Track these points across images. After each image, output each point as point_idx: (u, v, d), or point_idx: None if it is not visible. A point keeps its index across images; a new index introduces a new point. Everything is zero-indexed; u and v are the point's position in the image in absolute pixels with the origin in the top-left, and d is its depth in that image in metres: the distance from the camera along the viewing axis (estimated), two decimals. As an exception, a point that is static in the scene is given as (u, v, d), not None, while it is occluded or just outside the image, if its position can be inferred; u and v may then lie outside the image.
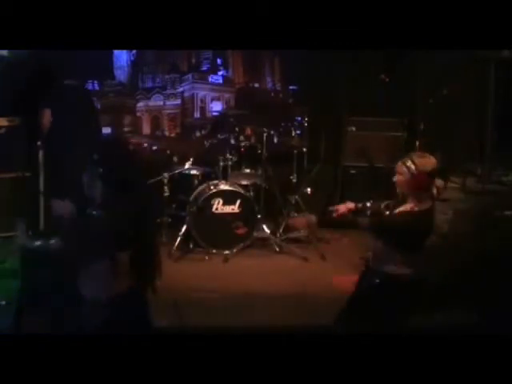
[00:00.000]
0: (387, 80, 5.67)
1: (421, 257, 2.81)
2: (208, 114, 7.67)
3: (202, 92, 7.68)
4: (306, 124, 5.92)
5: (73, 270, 2.34)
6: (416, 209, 2.76)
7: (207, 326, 3.55)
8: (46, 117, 4.65)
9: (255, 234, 5.23)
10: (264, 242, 5.30)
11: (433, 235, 3.93)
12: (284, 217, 5.51)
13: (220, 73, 7.70)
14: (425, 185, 2.75)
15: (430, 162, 2.76)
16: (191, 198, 5.30)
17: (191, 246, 5.14)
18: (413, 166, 2.72)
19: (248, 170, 5.64)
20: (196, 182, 5.52)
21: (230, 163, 5.52)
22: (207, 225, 5.13)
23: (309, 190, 5.69)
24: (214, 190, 5.20)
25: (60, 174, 4.24)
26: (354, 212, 2.96)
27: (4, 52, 4.85)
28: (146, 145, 6.50)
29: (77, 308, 2.33)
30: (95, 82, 7.04)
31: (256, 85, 7.78)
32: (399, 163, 2.78)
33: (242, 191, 5.29)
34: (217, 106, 7.72)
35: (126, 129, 7.30)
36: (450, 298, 3.71)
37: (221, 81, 7.73)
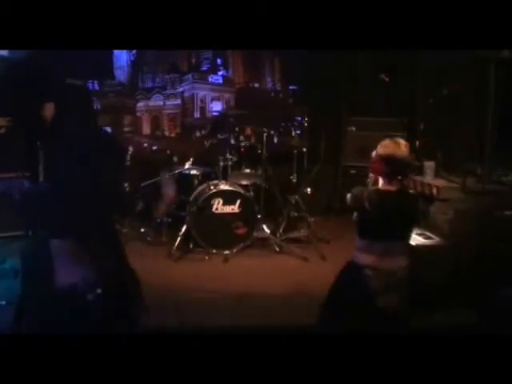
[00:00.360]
0: (387, 80, 5.67)
1: (386, 246, 2.71)
2: (208, 114, 7.68)
3: (202, 92, 7.68)
4: (305, 124, 5.92)
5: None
6: (378, 187, 2.74)
7: (207, 326, 3.55)
8: (49, 110, 4.64)
9: (255, 234, 5.23)
10: (264, 242, 5.31)
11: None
12: (284, 217, 5.52)
13: (220, 73, 7.71)
14: (378, 167, 2.72)
15: (388, 147, 2.70)
16: (191, 198, 5.30)
17: (191, 246, 5.15)
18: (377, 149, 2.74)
19: (248, 170, 5.64)
20: (196, 182, 5.53)
21: (230, 163, 5.52)
22: (207, 225, 5.13)
23: (309, 189, 5.69)
24: (214, 190, 5.20)
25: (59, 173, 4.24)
26: None
27: (3, 52, 4.85)
28: (145, 145, 6.50)
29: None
30: (95, 81, 7.04)
31: (256, 85, 7.79)
32: None
33: (242, 191, 5.30)
34: (217, 106, 7.72)
35: (126, 129, 7.30)
36: (450, 298, 3.71)
37: (221, 81, 7.74)
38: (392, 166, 2.68)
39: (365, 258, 2.72)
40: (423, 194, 4.74)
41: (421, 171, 5.12)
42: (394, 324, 2.67)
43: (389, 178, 2.71)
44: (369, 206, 2.66)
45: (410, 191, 2.82)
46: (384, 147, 2.72)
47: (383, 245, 2.70)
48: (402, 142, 2.74)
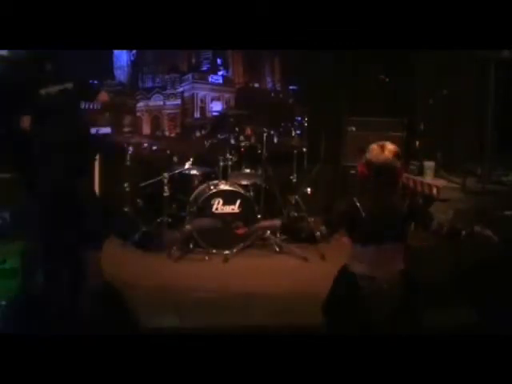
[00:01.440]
0: (387, 80, 5.67)
1: (378, 250, 2.66)
2: (208, 114, 7.66)
3: (202, 92, 7.67)
4: (305, 124, 5.92)
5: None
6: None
7: (207, 325, 3.55)
8: (25, 123, 4.69)
9: (255, 233, 5.23)
10: (264, 242, 5.31)
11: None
12: (284, 217, 5.52)
13: (220, 73, 7.70)
14: (362, 172, 2.69)
15: (371, 152, 2.67)
16: (191, 198, 5.30)
17: (191, 246, 5.14)
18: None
19: (248, 170, 5.64)
20: (196, 182, 5.53)
21: (229, 163, 5.52)
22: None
23: (309, 189, 5.69)
24: (214, 190, 5.20)
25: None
26: None
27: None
28: (145, 145, 6.50)
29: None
30: (95, 82, 7.03)
31: (256, 85, 7.77)
32: None
33: (242, 191, 5.29)
34: (217, 106, 7.71)
35: (125, 129, 7.29)
36: (450, 298, 3.71)
37: (221, 81, 7.73)
38: (374, 170, 2.67)
39: (358, 266, 2.71)
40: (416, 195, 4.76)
41: (421, 171, 5.13)
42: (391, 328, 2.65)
43: (373, 182, 2.69)
44: (364, 214, 2.64)
45: (401, 192, 2.78)
46: (368, 152, 2.71)
47: (375, 249, 2.67)
48: (389, 146, 2.68)
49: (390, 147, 2.69)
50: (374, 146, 2.71)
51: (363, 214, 2.65)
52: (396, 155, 2.68)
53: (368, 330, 2.59)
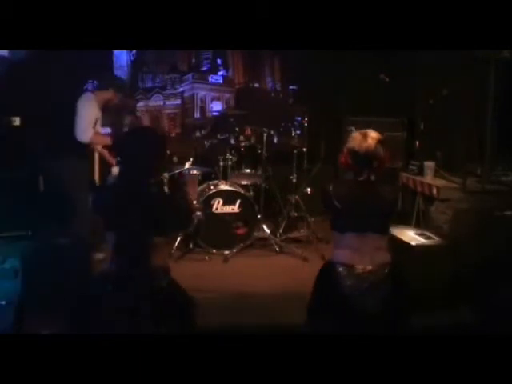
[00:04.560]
0: (387, 80, 5.66)
1: (359, 239, 2.60)
2: (208, 114, 7.66)
3: (202, 92, 7.67)
4: (306, 124, 5.92)
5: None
6: (345, 179, 2.70)
7: (207, 325, 3.55)
8: None
9: (255, 234, 5.24)
10: (264, 242, 5.31)
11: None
12: (284, 217, 5.52)
13: (220, 73, 7.70)
14: (344, 161, 2.65)
15: (354, 140, 2.64)
16: (191, 198, 5.30)
17: (191, 245, 5.14)
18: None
19: (248, 170, 5.64)
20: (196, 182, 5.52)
21: (229, 163, 5.52)
22: (207, 225, 5.13)
23: (309, 190, 5.70)
24: (214, 190, 5.20)
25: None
26: None
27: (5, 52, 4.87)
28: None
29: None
30: (95, 81, 7.03)
31: (256, 85, 7.77)
32: None
33: (242, 191, 5.30)
34: (217, 106, 7.71)
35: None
36: (450, 298, 3.71)
37: (221, 81, 7.72)
38: (356, 159, 2.62)
39: (339, 254, 2.64)
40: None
41: (421, 171, 5.13)
42: (378, 325, 2.56)
43: (356, 171, 2.64)
44: (338, 202, 2.60)
45: (381, 182, 2.72)
46: (350, 140, 2.67)
47: (354, 236, 2.60)
48: (371, 133, 2.63)
49: (373, 135, 2.64)
50: (356, 134, 2.66)
51: (337, 204, 2.59)
52: (379, 142, 2.63)
53: (352, 325, 2.54)
